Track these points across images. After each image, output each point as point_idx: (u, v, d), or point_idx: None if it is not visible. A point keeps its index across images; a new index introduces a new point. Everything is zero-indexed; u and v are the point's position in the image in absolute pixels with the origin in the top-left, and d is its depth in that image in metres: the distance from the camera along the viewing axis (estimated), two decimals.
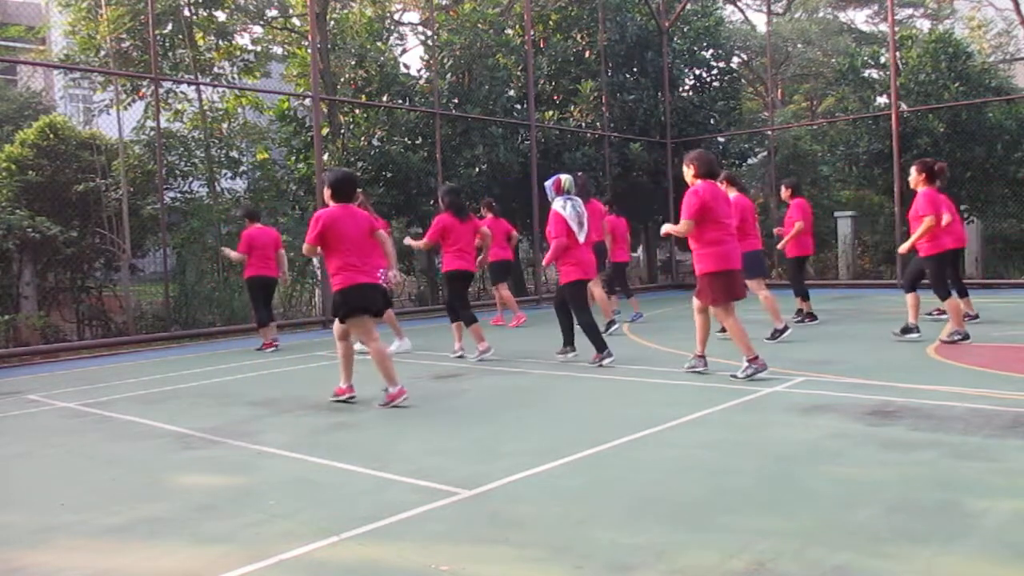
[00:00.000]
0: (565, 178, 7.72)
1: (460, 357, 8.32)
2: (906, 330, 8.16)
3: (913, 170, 8.24)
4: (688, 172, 6.66)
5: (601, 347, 7.52)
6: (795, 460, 4.10)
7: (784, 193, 10.41)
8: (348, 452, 4.67)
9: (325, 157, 13.72)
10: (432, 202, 14.54)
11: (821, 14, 33.01)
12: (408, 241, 9.19)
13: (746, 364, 6.48)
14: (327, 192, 6.09)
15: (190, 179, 13.68)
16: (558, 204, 7.53)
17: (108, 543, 3.36)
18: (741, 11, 33.67)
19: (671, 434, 4.77)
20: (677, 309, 13.13)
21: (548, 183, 7.81)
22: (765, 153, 21.90)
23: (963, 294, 9.22)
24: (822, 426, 4.77)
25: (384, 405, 5.91)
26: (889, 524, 3.16)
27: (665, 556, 2.94)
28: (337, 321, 6.20)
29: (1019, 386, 5.70)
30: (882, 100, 17.86)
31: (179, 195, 13.55)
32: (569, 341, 7.93)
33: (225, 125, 14.13)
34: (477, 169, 15.56)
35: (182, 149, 13.49)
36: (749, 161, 22.30)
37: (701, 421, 5.07)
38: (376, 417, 5.64)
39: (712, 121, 19.69)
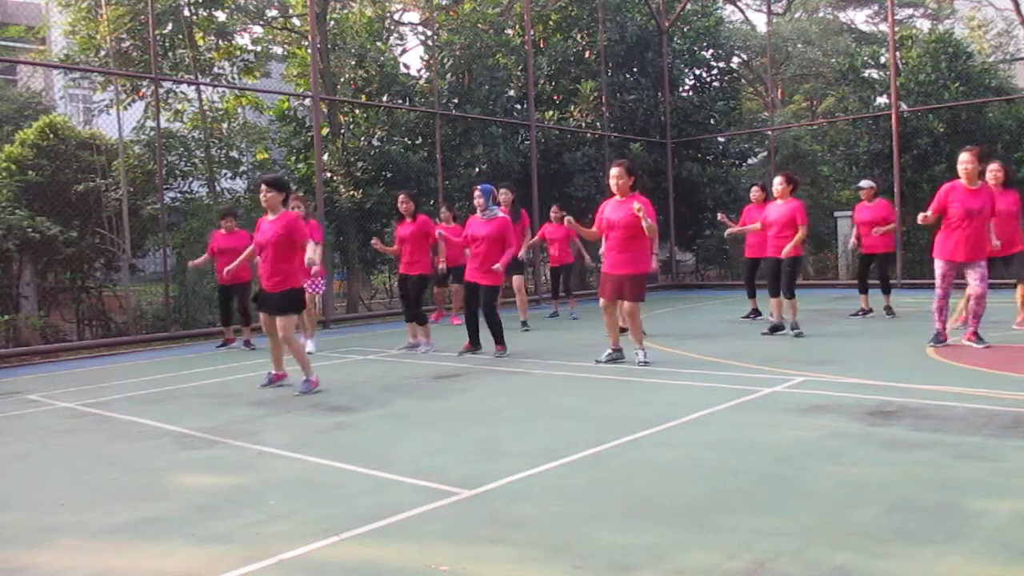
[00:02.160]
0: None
1: (416, 348, 8.93)
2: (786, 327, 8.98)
3: (782, 180, 8.97)
4: (631, 181, 7.30)
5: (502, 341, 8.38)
6: (795, 460, 4.10)
7: (758, 194, 10.45)
8: (348, 452, 4.67)
9: (325, 157, 13.73)
10: (432, 202, 14.55)
11: (821, 14, 33.03)
12: (380, 247, 9.25)
13: (643, 353, 7.35)
14: (283, 196, 6.71)
15: (190, 179, 13.66)
16: (501, 214, 8.47)
17: (108, 543, 3.36)
18: (741, 11, 33.70)
19: (671, 434, 4.77)
20: (678, 309, 13.14)
21: (487, 190, 8.50)
22: (765, 153, 21.90)
23: (864, 291, 10.65)
24: (822, 426, 4.77)
25: (307, 392, 6.56)
26: (889, 524, 3.17)
27: (665, 556, 2.94)
28: (286, 317, 6.66)
29: (1019, 386, 5.70)
30: (882, 100, 17.86)
31: (179, 195, 13.53)
32: (500, 339, 8.39)
33: (225, 125, 14.11)
34: (477, 169, 15.56)
35: (182, 149, 13.47)
36: (749, 161, 22.29)
37: (701, 421, 5.07)
38: (376, 417, 5.64)
39: (712, 121, 19.69)
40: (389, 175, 14.71)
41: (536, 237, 12.24)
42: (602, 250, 7.61)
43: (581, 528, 3.26)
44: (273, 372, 7.02)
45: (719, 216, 11.59)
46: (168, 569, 3.05)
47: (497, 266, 8.08)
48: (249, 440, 5.06)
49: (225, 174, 14.00)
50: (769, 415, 5.14)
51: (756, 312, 10.60)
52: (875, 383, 6.00)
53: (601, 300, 7.47)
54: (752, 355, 7.63)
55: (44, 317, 11.41)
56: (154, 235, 12.59)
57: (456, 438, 4.92)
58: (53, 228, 11.14)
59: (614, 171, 7.32)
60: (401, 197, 9.00)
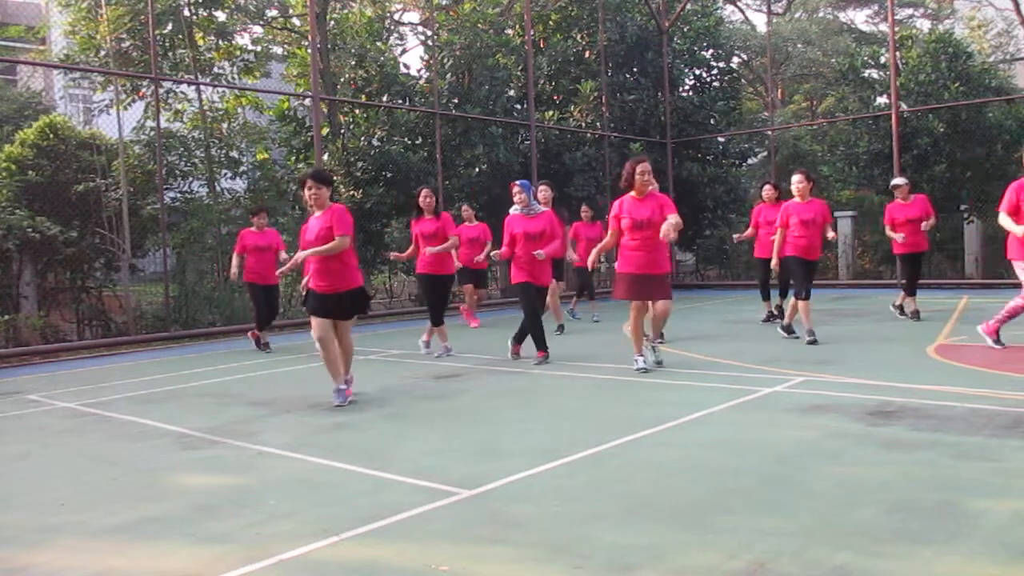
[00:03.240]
0: None
1: (438, 356, 8.55)
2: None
3: (802, 177, 8.62)
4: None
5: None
6: (795, 460, 4.10)
7: (771, 193, 10.28)
8: (348, 452, 4.67)
9: (325, 157, 13.72)
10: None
11: (821, 14, 33.05)
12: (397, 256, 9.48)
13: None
14: (331, 191, 6.16)
15: (190, 179, 13.67)
16: (544, 208, 8.19)
17: (108, 543, 3.36)
18: (741, 11, 33.72)
19: (671, 434, 4.77)
20: (678, 309, 13.11)
21: (527, 185, 8.04)
22: (765, 153, 21.91)
23: (912, 293, 10.29)
24: (822, 426, 4.77)
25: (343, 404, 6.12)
26: (889, 524, 3.16)
27: (665, 556, 2.94)
28: (351, 319, 6.31)
29: (1019, 386, 5.70)
30: (882, 100, 17.86)
31: (179, 195, 13.54)
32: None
33: (225, 125, 14.12)
34: (477, 169, 15.56)
35: (182, 149, 13.47)
36: (749, 161, 22.29)
37: (701, 421, 5.07)
38: (376, 417, 5.64)
39: (712, 121, 19.69)
40: (389, 175, 14.71)
41: (570, 238, 11.98)
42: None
43: (581, 528, 3.26)
44: (343, 387, 6.12)
45: (737, 238, 11.28)
46: (168, 569, 3.05)
47: (540, 253, 7.65)
48: (249, 440, 5.06)
49: (225, 174, 14.00)
50: (769, 415, 5.14)
51: (772, 313, 10.46)
52: (875, 383, 6.00)
53: (635, 303, 6.90)
54: (752, 355, 7.63)
55: (44, 317, 11.41)
56: (154, 235, 12.59)
57: (456, 438, 4.92)
58: (53, 228, 11.14)
59: (644, 167, 6.76)
60: (425, 192, 8.53)
